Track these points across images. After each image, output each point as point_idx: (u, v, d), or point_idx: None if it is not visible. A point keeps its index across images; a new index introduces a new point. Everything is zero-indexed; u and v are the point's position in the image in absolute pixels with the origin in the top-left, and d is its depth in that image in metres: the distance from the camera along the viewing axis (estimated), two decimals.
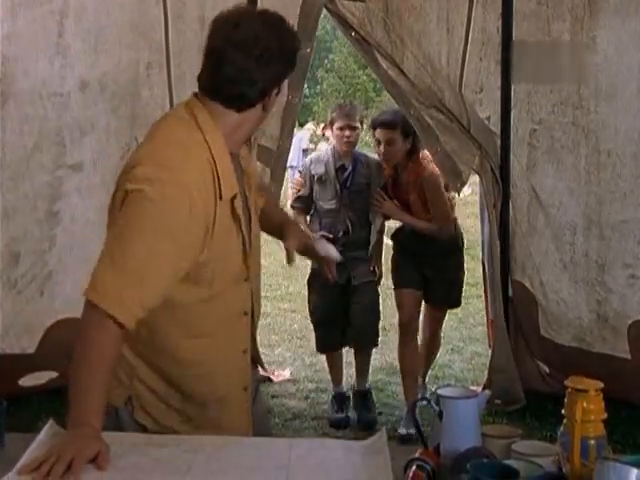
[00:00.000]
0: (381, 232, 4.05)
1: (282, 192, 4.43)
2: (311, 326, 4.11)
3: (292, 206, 4.01)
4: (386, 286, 4.26)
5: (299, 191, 4.01)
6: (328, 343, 4.05)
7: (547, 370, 4.05)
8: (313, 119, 25.45)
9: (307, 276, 4.08)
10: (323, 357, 4.27)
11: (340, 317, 3.96)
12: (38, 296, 3.83)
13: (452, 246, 3.96)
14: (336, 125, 3.88)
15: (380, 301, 4.06)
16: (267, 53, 1.74)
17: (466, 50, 3.93)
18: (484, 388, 3.72)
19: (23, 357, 3.83)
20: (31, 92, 3.57)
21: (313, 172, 3.93)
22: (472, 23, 3.91)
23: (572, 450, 1.61)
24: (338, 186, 3.87)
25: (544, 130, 3.90)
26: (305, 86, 4.46)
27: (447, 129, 3.98)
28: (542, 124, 3.90)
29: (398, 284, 4.01)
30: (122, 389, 1.83)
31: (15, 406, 3.64)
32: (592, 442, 1.62)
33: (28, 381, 3.86)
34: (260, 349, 2.15)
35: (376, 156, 3.95)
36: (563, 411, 1.66)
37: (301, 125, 19.10)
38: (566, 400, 1.68)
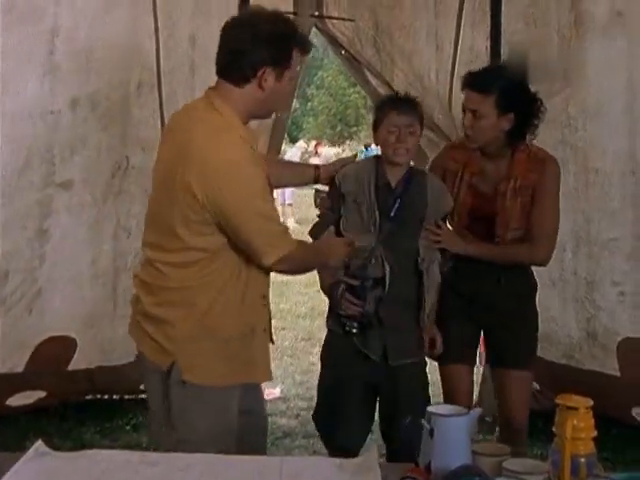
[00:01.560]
0: (444, 284, 2.76)
1: None
2: (302, 344, 3.36)
3: (312, 235, 2.69)
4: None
5: (322, 215, 2.75)
6: (342, 445, 2.65)
7: (537, 387, 4.05)
8: (304, 135, 25.58)
9: (320, 343, 2.86)
10: (314, 375, 3.31)
11: (365, 412, 2.75)
12: (27, 314, 3.81)
13: (531, 287, 2.89)
14: (386, 124, 2.62)
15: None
16: (261, 33, 2.12)
17: (455, 68, 3.96)
18: (475, 406, 3.72)
19: (11, 376, 3.80)
20: (21, 110, 3.57)
21: (343, 190, 2.66)
22: (460, 42, 3.94)
23: (562, 468, 1.62)
24: (377, 214, 2.61)
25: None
26: (296, 103, 4.47)
27: (437, 147, 3.99)
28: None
29: (446, 357, 2.80)
30: (165, 355, 2.13)
31: (3, 425, 3.64)
32: (582, 460, 1.63)
33: (16, 400, 3.83)
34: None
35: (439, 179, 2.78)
36: (554, 428, 1.67)
37: (292, 141, 19.17)
38: (556, 418, 1.69)
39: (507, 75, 2.70)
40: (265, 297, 2.31)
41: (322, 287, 2.72)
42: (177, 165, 2.10)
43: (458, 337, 2.81)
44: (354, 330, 2.62)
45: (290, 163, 3.68)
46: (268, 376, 2.35)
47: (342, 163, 2.75)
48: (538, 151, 2.75)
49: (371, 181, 2.65)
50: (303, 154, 15.82)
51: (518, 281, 2.85)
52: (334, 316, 2.69)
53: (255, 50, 2.13)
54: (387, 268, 2.60)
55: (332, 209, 2.69)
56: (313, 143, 19.28)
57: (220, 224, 2.11)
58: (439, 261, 2.72)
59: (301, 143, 17.02)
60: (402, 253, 2.64)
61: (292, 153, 15.18)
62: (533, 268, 2.89)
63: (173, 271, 2.15)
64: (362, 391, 2.69)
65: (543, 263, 2.84)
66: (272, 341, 2.43)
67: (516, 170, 2.71)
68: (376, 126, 2.67)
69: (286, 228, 2.26)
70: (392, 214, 2.62)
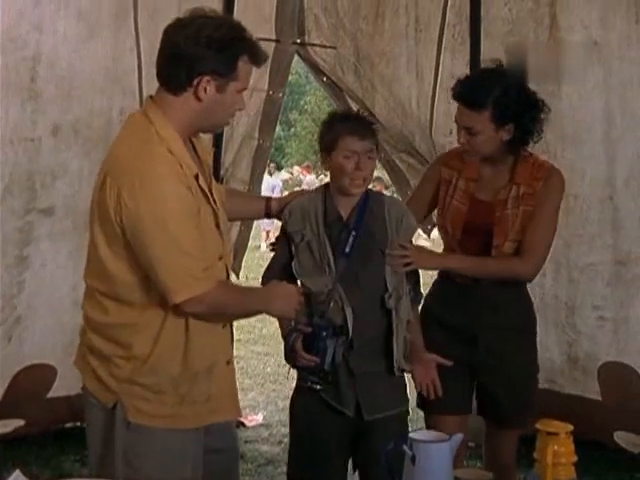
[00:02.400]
0: (428, 314, 2.51)
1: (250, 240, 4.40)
2: (285, 369, 2.55)
3: (263, 283, 2.39)
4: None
5: (273, 258, 2.49)
6: None
7: None
8: (287, 161, 25.61)
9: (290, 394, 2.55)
10: None
11: (342, 473, 2.46)
12: (6, 342, 3.76)
13: (528, 318, 2.60)
14: (341, 149, 2.31)
15: None
16: (200, 37, 1.89)
17: (435, 94, 4.01)
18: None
19: None
20: (2, 137, 3.56)
21: (289, 229, 2.38)
22: (441, 68, 3.99)
23: None
24: (330, 252, 2.34)
25: None
26: (279, 129, 4.48)
27: (418, 173, 4.03)
28: None
29: (432, 405, 2.49)
30: (109, 393, 1.99)
31: None
32: None
33: None
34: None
35: (397, 195, 2.77)
36: (534, 454, 1.67)
37: (279, 168, 19.05)
38: (537, 443, 1.70)
39: (501, 82, 2.41)
40: (225, 326, 2.10)
41: (282, 336, 2.41)
42: (99, 178, 1.94)
43: (447, 381, 2.42)
44: (316, 386, 2.32)
45: (239, 193, 3.13)
46: (234, 413, 2.17)
47: (296, 195, 2.50)
48: (544, 161, 2.56)
49: (319, 216, 2.35)
50: (285, 183, 15.58)
51: (518, 311, 2.54)
52: (296, 370, 2.40)
53: (192, 55, 1.90)
54: (348, 312, 2.29)
55: (282, 252, 2.41)
56: (296, 169, 19.28)
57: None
58: (408, 294, 2.39)
59: (284, 173, 16.64)
60: (365, 292, 2.33)
61: (274, 182, 14.86)
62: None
63: (111, 305, 1.98)
64: (338, 451, 2.40)
65: (528, 278, 2.55)
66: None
67: (519, 177, 2.47)
68: (328, 149, 2.33)
69: (207, 266, 1.95)
70: (347, 250, 2.31)
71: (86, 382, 2.06)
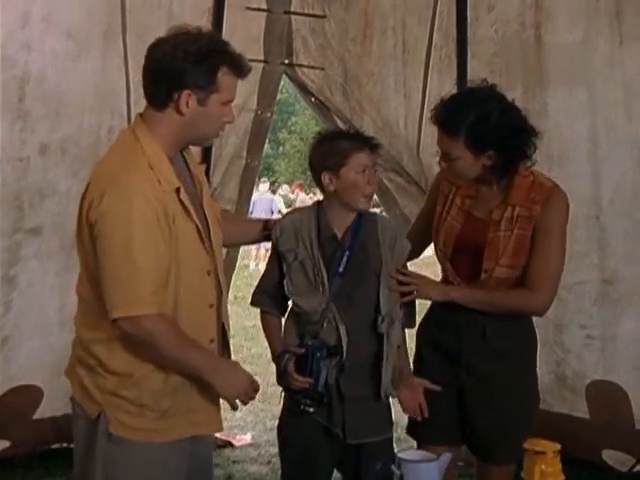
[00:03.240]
0: (421, 336, 2.48)
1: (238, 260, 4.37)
2: (274, 388, 2.56)
3: (253, 303, 2.43)
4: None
5: (263, 277, 2.45)
6: None
7: None
8: (275, 179, 25.62)
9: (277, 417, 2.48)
10: None
11: None
12: None
13: (520, 344, 2.44)
14: (353, 165, 2.28)
15: None
16: (178, 52, 1.92)
17: (423, 115, 4.03)
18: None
19: None
20: None
21: (281, 248, 2.35)
22: (428, 89, 4.03)
23: None
24: (324, 271, 2.30)
25: None
26: (267, 147, 4.50)
27: (406, 192, 4.05)
28: None
29: (422, 434, 2.43)
30: (94, 404, 2.00)
31: None
32: None
33: None
34: (221, 412, 2.17)
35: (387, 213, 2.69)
36: (522, 474, 1.67)
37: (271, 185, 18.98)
38: (525, 462, 1.70)
39: (479, 107, 2.25)
40: (213, 341, 2.10)
41: (273, 359, 2.37)
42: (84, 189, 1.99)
43: (437, 408, 2.33)
44: (309, 409, 2.27)
45: (235, 218, 3.18)
46: (216, 426, 2.16)
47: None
48: (544, 180, 2.35)
49: (312, 234, 2.31)
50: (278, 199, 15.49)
51: (512, 335, 2.37)
52: (288, 392, 2.36)
53: (171, 70, 1.94)
54: (342, 331, 2.25)
55: (272, 270, 2.37)
56: (285, 187, 19.25)
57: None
58: (400, 320, 2.34)
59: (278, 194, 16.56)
60: (358, 313, 2.29)
61: (271, 197, 14.85)
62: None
63: (91, 320, 2.01)
64: (330, 471, 2.40)
65: (540, 313, 2.39)
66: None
67: (515, 197, 2.31)
68: (336, 167, 2.28)
69: (157, 290, 1.93)
70: (340, 270, 2.27)
71: (74, 392, 2.09)
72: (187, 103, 1.95)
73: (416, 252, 2.52)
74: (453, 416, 2.42)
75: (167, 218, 1.94)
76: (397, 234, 2.39)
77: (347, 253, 2.29)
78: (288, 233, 2.34)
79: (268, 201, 14.19)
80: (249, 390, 2.04)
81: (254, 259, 13.01)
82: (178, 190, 1.99)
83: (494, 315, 2.34)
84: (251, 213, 13.33)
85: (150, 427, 2.00)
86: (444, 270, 2.47)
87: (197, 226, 2.02)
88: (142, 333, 1.91)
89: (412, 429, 2.46)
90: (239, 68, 1.99)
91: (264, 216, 10.76)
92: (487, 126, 2.24)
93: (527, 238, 2.30)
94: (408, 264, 2.47)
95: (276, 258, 2.37)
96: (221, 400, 2.15)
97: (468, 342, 2.37)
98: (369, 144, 2.32)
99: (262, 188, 14.56)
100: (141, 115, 2.06)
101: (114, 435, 1.98)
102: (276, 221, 2.44)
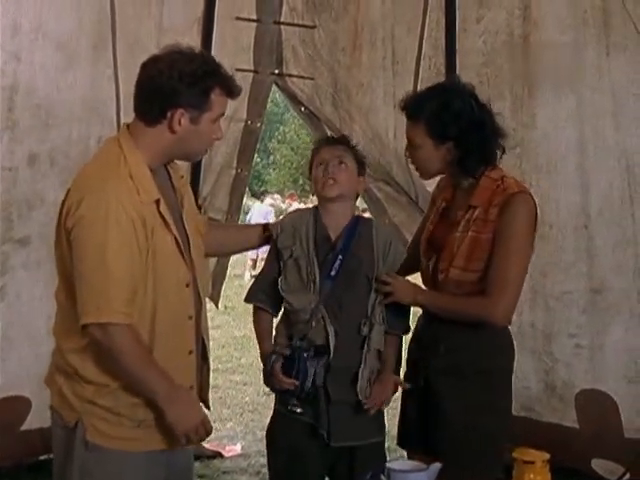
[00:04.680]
0: (397, 347, 2.41)
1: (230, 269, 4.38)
2: (264, 398, 2.79)
3: (248, 299, 2.44)
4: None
5: (260, 273, 2.50)
6: None
7: None
8: (265, 189, 25.63)
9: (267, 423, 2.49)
10: None
11: None
12: None
13: (491, 367, 2.34)
14: (315, 162, 2.39)
15: None
16: (173, 71, 1.95)
17: None
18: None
19: None
20: None
21: (279, 245, 2.38)
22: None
23: None
24: (317, 271, 2.32)
25: None
26: (257, 157, 4.50)
27: (395, 201, 4.07)
28: None
29: (402, 439, 2.47)
30: (71, 411, 2.00)
31: None
32: None
33: None
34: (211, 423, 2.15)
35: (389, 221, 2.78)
36: None
37: (254, 196, 19.03)
38: (514, 472, 1.70)
39: (442, 96, 2.28)
40: (192, 352, 2.08)
41: (261, 359, 2.39)
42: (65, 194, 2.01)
43: (414, 413, 2.36)
44: (296, 409, 2.30)
45: (235, 226, 3.28)
46: None
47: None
48: (512, 185, 2.28)
49: (309, 233, 2.34)
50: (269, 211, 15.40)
51: (470, 352, 2.28)
52: (275, 392, 2.38)
53: (165, 89, 1.96)
54: (331, 331, 2.26)
55: (270, 267, 2.39)
56: (277, 197, 19.19)
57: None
58: (381, 323, 2.33)
59: (268, 200, 16.51)
60: (347, 317, 2.29)
61: (266, 210, 14.78)
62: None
63: (65, 328, 2.02)
64: (319, 473, 2.40)
65: (499, 321, 2.29)
66: (207, 406, 2.19)
67: (476, 200, 2.27)
68: (310, 169, 2.42)
69: (130, 300, 1.92)
70: (332, 273, 2.29)
71: (52, 400, 2.09)
72: (179, 121, 1.99)
73: (413, 267, 2.49)
74: (417, 424, 2.38)
75: (145, 229, 1.95)
76: (392, 240, 2.41)
77: (340, 257, 2.31)
78: (287, 231, 2.37)
79: (265, 213, 14.20)
80: (200, 429, 1.98)
81: (249, 269, 12.83)
82: (158, 202, 2.00)
83: (455, 330, 2.29)
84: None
85: (127, 436, 2.00)
86: (422, 276, 2.47)
87: (176, 238, 2.03)
88: (108, 342, 1.91)
89: (400, 440, 2.46)
90: (230, 89, 2.05)
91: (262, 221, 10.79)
92: (447, 114, 2.24)
93: (482, 241, 2.25)
94: (409, 277, 2.46)
95: (274, 256, 2.39)
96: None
97: (427, 354, 2.36)
98: (328, 141, 2.48)
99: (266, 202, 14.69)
100: (128, 126, 2.08)
101: (91, 443, 1.98)
102: (278, 220, 2.50)
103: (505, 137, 2.35)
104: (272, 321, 2.44)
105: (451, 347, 2.31)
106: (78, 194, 1.96)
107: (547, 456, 1.70)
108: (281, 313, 2.41)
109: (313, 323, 2.28)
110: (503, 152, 2.34)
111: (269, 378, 2.33)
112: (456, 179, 2.36)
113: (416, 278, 2.48)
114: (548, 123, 3.79)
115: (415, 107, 2.29)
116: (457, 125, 2.24)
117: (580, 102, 3.74)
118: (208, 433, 2.02)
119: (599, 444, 3.79)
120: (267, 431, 2.46)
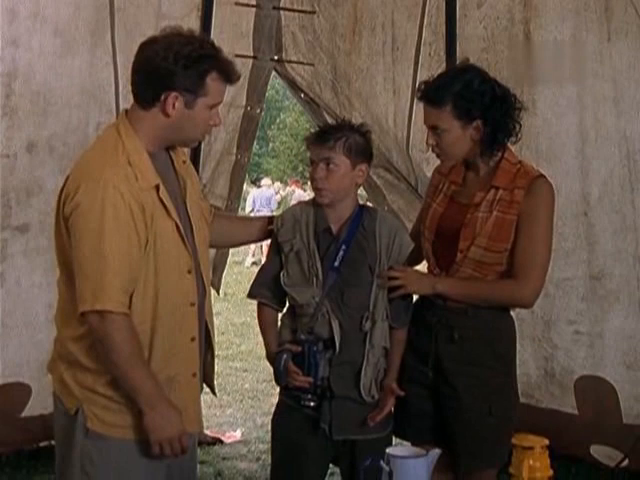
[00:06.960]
0: (403, 345, 2.36)
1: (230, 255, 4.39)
2: (263, 385, 2.79)
3: (251, 295, 2.39)
4: None
5: (262, 268, 2.45)
6: None
7: None
8: (265, 176, 25.59)
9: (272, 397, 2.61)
10: None
11: None
12: None
13: (501, 353, 2.36)
14: (309, 156, 2.37)
15: None
16: (169, 54, 1.93)
17: (412, 111, 4.03)
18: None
19: None
20: None
21: (280, 239, 2.34)
22: (417, 85, 4.01)
23: None
24: (319, 264, 2.28)
25: None
26: (256, 145, 4.48)
27: (395, 188, 4.06)
28: None
29: (404, 433, 2.45)
30: (72, 399, 2.00)
31: None
32: None
33: None
34: (210, 410, 2.16)
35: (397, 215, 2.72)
36: (510, 469, 1.68)
37: (253, 182, 18.98)
38: (513, 458, 1.70)
39: (462, 77, 2.30)
40: (194, 339, 2.06)
41: (267, 357, 2.35)
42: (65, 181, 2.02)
43: (417, 407, 2.35)
44: (311, 403, 2.27)
45: (240, 218, 3.26)
46: (196, 426, 2.12)
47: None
48: (531, 169, 2.34)
49: (310, 226, 2.29)
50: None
51: (483, 339, 2.30)
52: (287, 388, 2.32)
53: (160, 71, 1.94)
54: (335, 325, 2.23)
55: (272, 262, 2.35)
56: (278, 184, 19.13)
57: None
58: (384, 319, 2.28)
59: (267, 182, 16.39)
60: (353, 309, 2.25)
61: (269, 194, 14.63)
62: None
63: (65, 316, 2.02)
64: (320, 466, 2.37)
65: (528, 304, 2.37)
66: (213, 392, 2.22)
67: (499, 180, 2.29)
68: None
69: (127, 288, 1.92)
70: (336, 264, 2.24)
71: (54, 387, 2.09)
72: (173, 104, 1.96)
73: (415, 259, 2.47)
74: (429, 416, 2.38)
75: (144, 215, 1.94)
76: (396, 230, 2.35)
77: (344, 247, 2.26)
78: (288, 224, 2.33)
79: (268, 197, 14.20)
80: (175, 443, 1.96)
81: (251, 255, 12.79)
82: (157, 188, 1.98)
83: (466, 317, 2.30)
84: (252, 210, 13.34)
85: (127, 424, 1.99)
86: (427, 260, 2.44)
87: (177, 224, 2.01)
88: (102, 331, 1.90)
89: (396, 430, 2.43)
90: (228, 75, 2.02)
91: (267, 213, 10.81)
92: (471, 93, 2.27)
93: (507, 222, 2.26)
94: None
95: (276, 250, 2.35)
96: (202, 400, 2.15)
97: (438, 343, 2.34)
98: (316, 138, 2.33)
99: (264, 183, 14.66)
100: (126, 112, 2.07)
101: (91, 431, 1.98)
102: (280, 214, 2.47)
103: (526, 109, 2.39)
104: (277, 317, 2.39)
105: (465, 335, 2.30)
106: (76, 181, 1.96)
107: (546, 442, 1.71)
108: (286, 309, 2.38)
109: (318, 317, 2.25)
110: (520, 126, 2.37)
111: (281, 376, 2.28)
112: (477, 161, 2.35)
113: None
114: (548, 110, 3.78)
115: (438, 92, 2.28)
116: (482, 102, 2.27)
117: (581, 88, 3.72)
118: (184, 451, 1.98)
119: (598, 430, 3.80)
120: (272, 421, 2.44)
